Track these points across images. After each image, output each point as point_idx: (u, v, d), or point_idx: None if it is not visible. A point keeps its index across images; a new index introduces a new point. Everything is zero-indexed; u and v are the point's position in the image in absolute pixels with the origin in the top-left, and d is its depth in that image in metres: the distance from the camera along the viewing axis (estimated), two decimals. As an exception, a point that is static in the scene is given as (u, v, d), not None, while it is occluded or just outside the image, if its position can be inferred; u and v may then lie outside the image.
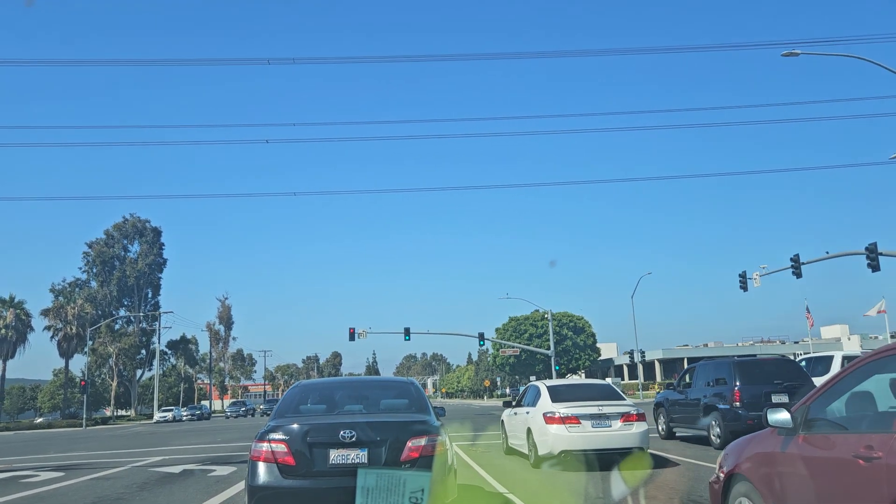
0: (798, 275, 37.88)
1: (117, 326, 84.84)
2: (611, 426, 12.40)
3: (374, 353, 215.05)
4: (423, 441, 6.51)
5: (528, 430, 13.32)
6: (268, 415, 63.93)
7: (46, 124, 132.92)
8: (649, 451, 12.88)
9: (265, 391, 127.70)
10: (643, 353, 59.38)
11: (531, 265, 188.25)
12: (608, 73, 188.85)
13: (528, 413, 13.67)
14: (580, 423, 12.34)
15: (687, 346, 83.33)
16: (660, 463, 12.78)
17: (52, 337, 70.21)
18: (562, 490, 10.25)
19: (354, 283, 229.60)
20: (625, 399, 13.30)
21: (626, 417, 12.45)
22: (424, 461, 6.38)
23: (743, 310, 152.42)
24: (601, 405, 12.65)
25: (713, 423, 15.48)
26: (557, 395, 13.25)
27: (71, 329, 69.54)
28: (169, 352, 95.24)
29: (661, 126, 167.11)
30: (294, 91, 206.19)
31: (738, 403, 14.96)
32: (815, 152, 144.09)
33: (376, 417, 7.12)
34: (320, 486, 6.33)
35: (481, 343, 62.47)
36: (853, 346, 78.82)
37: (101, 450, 22.29)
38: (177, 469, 14.41)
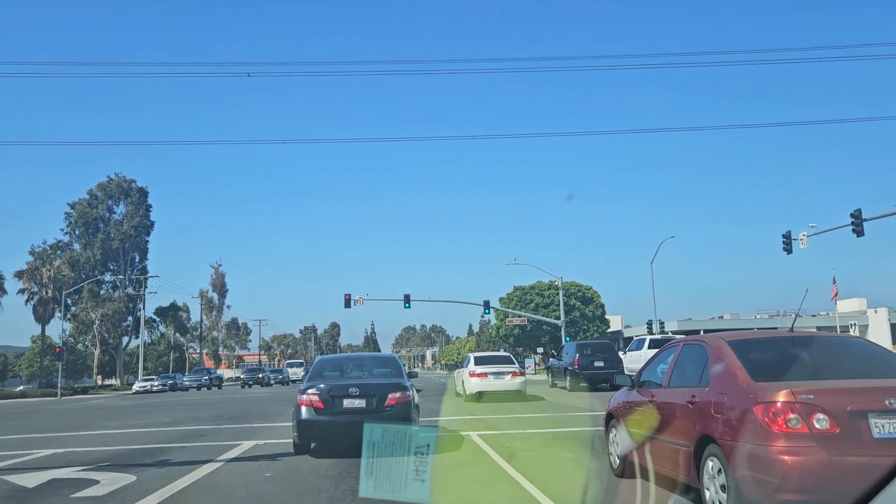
0: (859, 233, 32.36)
1: (102, 292, 79.60)
2: (504, 378, 22.03)
3: (372, 324, 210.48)
4: (398, 394, 10.76)
5: (462, 381, 23.59)
6: (248, 385, 57.43)
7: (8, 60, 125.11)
8: (544, 395, 24.32)
9: (260, 361, 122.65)
10: (662, 323, 54.02)
11: (537, 234, 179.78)
12: (626, 12, 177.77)
13: (462, 371, 23.94)
14: (487, 376, 22.01)
15: (690, 319, 77.91)
16: (532, 398, 22.76)
17: (27, 301, 64.90)
18: (473, 407, 19.82)
19: (352, 251, 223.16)
20: (515, 364, 23.36)
21: (513, 374, 22.28)
22: (399, 406, 10.58)
23: (764, 280, 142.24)
24: (500, 367, 22.36)
25: (566, 377, 27.64)
26: (478, 361, 23.04)
27: (46, 293, 64.17)
28: (157, 319, 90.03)
29: (680, 64, 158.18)
30: (280, 27, 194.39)
31: (576, 366, 27.06)
32: (857, 105, 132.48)
33: (370, 380, 11.44)
34: (338, 420, 10.51)
35: (486, 311, 57.16)
36: (880, 320, 73.68)
37: (5, 434, 16.83)
38: (41, 478, 8.96)
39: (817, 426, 5.18)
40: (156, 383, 56.60)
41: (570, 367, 27.57)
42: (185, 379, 60.90)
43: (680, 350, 7.31)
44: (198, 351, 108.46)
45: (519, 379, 22.34)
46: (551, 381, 31.17)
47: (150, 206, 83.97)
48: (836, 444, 5.13)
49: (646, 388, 7.71)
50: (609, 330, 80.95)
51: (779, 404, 5.31)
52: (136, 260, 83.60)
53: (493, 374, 22.12)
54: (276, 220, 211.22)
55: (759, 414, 5.37)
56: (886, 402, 5.23)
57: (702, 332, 33.45)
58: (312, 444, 10.82)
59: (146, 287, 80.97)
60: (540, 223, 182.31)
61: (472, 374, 22.35)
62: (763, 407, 5.37)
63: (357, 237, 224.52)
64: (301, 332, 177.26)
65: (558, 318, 65.83)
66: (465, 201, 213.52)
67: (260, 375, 63.53)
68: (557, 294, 79.60)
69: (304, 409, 10.53)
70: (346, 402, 10.48)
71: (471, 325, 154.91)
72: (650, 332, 53.54)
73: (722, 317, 76.46)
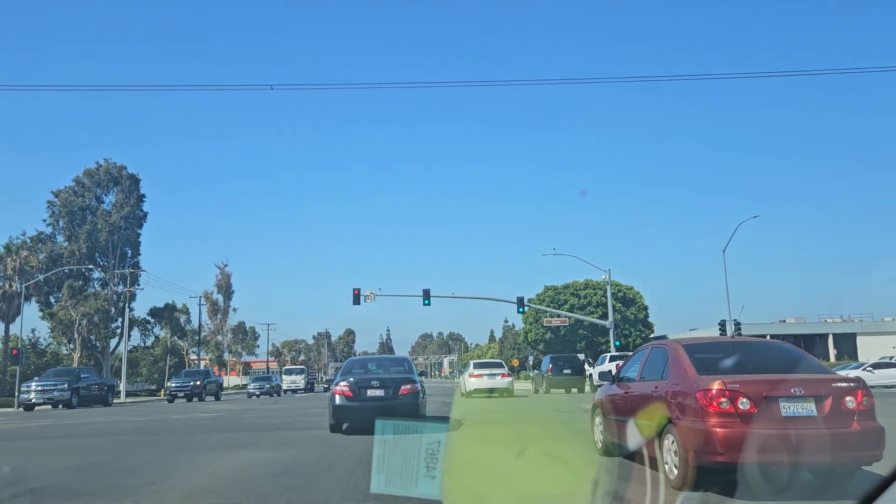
0: None
1: (90, 289, 69.88)
2: (495, 378, 28.94)
3: (388, 330, 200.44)
4: (409, 386, 13.45)
5: (463, 382, 30.41)
6: (184, 397, 42.61)
7: None
8: (529, 395, 32.39)
9: (268, 367, 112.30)
10: (739, 325, 43.08)
11: (567, 231, 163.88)
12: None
13: (464, 374, 31.35)
14: (483, 377, 28.84)
15: (723, 325, 66.69)
16: (519, 395, 30.63)
17: (-11, 296, 55.11)
18: (471, 404, 24.11)
19: (367, 254, 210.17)
20: (504, 368, 30.94)
21: (502, 375, 29.29)
22: (410, 395, 13.30)
23: (839, 282, 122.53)
24: (492, 370, 29.74)
25: (542, 381, 36.69)
26: (476, 366, 30.80)
27: (11, 286, 54.37)
28: (152, 320, 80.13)
29: None
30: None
31: (549, 374, 36.18)
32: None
33: (388, 375, 14.00)
34: (363, 405, 13.20)
35: (520, 310, 46.74)
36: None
37: None
38: None
39: (741, 407, 6.67)
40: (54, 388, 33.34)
41: (545, 375, 35.88)
42: (29, 390, 33.38)
43: (649, 352, 8.81)
44: (202, 356, 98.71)
45: (507, 379, 28.90)
46: (534, 387, 38.71)
47: (144, 195, 74.25)
48: (754, 421, 6.63)
49: (623, 383, 9.07)
50: (652, 335, 69.99)
51: (713, 391, 6.78)
52: (129, 255, 73.86)
53: (487, 375, 28.42)
54: (285, 221, 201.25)
55: (699, 398, 6.85)
56: (792, 390, 6.77)
57: (768, 337, 37.04)
58: (344, 426, 13.58)
59: (137, 283, 71.42)
60: (569, 218, 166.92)
61: (470, 376, 28.66)
62: (703, 393, 6.85)
63: (372, 238, 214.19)
64: (314, 338, 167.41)
65: (598, 317, 55.36)
66: (485, 196, 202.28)
67: (197, 383, 41.46)
68: (595, 294, 68.65)
69: (337, 397, 13.37)
70: (370, 392, 13.36)
71: (492, 332, 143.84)
72: (723, 335, 42.68)
73: (784, 321, 65.43)
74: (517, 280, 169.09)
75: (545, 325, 52.52)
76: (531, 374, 39.90)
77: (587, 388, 36.20)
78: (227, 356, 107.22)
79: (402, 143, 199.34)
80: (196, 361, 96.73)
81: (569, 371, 35.10)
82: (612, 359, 36.21)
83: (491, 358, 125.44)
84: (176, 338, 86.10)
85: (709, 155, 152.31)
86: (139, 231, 73.78)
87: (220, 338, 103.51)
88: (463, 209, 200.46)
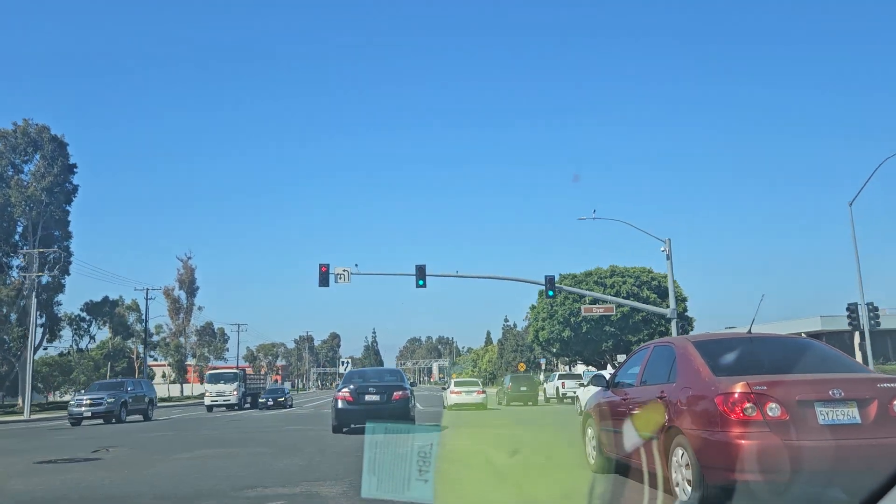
0: None
1: (9, 279, 55.07)
2: (472, 394, 32.03)
3: (374, 332, 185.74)
4: (400, 392, 16.12)
5: (445, 396, 33.65)
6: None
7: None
8: (498, 407, 34.04)
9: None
10: (876, 310, 29.03)
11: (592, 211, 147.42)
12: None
13: (446, 390, 34.81)
14: (461, 393, 32.12)
15: (854, 310, 52.99)
16: (490, 408, 32.75)
17: None
18: (456, 414, 25.89)
19: (352, 250, 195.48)
20: (480, 385, 33.90)
21: (478, 392, 32.24)
22: (402, 400, 15.92)
23: None
24: (469, 388, 32.78)
25: (504, 396, 39.12)
26: (456, 384, 33.88)
27: None
28: (88, 317, 65.18)
29: None
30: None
31: (509, 390, 38.62)
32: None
33: (383, 383, 16.72)
34: (361, 408, 15.70)
35: (550, 293, 33.47)
36: None
37: None
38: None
39: (770, 414, 5.42)
40: None
41: (506, 391, 39.16)
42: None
43: (651, 351, 7.60)
44: (157, 361, 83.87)
45: (481, 395, 32.29)
46: (498, 400, 40.78)
47: (75, 165, 59.41)
48: (786, 430, 5.34)
49: (620, 389, 8.01)
50: (692, 331, 56.05)
51: (736, 395, 5.54)
52: (58, 237, 58.91)
53: (465, 391, 32.24)
54: (263, 215, 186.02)
55: (719, 404, 5.60)
56: (830, 392, 5.49)
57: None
58: (344, 429, 16.09)
59: (66, 272, 57.09)
60: (592, 202, 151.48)
61: (451, 392, 32.55)
62: (723, 398, 5.60)
63: (363, 239, 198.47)
64: (296, 342, 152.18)
65: (628, 311, 41.81)
66: (487, 186, 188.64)
67: None
68: (625, 282, 54.49)
69: (339, 401, 16.05)
70: (367, 397, 15.96)
71: (489, 333, 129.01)
72: (852, 324, 28.82)
73: (830, 315, 51.82)
74: (525, 269, 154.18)
75: (584, 314, 38.47)
76: (497, 389, 45.57)
77: (541, 398, 41.02)
78: (190, 360, 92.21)
79: (401, 141, 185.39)
80: (161, 367, 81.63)
81: (525, 388, 38.44)
82: (561, 377, 41.91)
83: (488, 361, 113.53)
84: (121, 338, 71.25)
85: (757, 135, 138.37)
86: (68, 208, 58.83)
87: (182, 339, 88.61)
88: (463, 196, 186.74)
